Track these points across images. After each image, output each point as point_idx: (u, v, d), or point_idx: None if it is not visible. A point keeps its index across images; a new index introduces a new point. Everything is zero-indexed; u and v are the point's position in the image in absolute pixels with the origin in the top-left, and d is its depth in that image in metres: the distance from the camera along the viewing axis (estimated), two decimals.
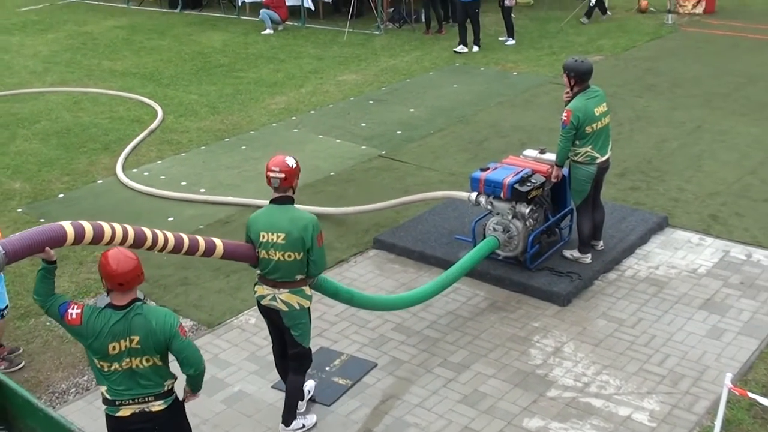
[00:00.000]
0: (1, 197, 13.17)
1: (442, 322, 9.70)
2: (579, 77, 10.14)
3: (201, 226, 12.12)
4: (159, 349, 6.20)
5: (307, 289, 7.62)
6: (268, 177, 7.45)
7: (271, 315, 7.73)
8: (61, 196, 13.45)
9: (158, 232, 7.10)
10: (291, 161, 7.45)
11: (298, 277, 7.49)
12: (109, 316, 6.09)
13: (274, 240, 7.35)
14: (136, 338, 6.10)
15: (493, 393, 8.44)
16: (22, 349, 9.37)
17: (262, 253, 7.47)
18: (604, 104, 10.24)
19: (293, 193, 7.54)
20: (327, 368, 8.90)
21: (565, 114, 10.05)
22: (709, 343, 9.13)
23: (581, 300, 10.04)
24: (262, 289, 7.63)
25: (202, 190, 13.39)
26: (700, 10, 25.10)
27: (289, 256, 7.36)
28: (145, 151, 15.24)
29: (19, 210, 12.89)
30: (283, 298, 7.53)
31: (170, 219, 12.42)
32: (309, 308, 7.70)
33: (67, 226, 6.44)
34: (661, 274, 10.53)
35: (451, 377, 8.71)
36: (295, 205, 7.55)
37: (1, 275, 8.86)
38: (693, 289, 10.19)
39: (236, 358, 9.13)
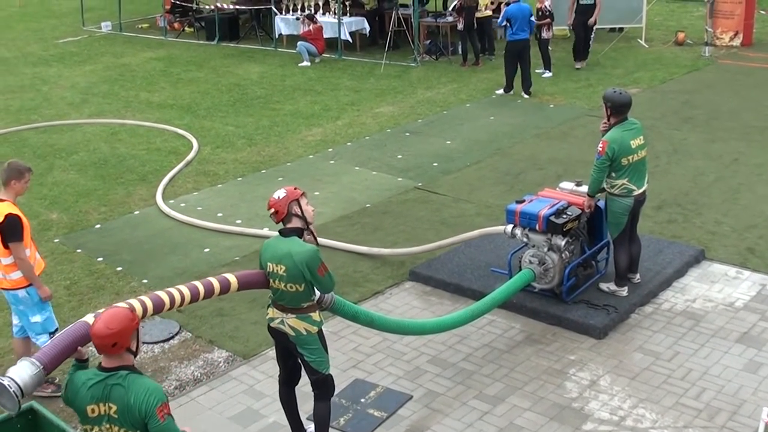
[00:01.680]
0: (39, 228, 13.24)
1: (478, 355, 9.67)
2: (617, 109, 10.13)
3: (237, 258, 12.16)
4: (137, 426, 5.66)
5: (316, 315, 7.64)
6: None
7: (279, 338, 7.76)
8: (97, 226, 13.52)
9: (173, 291, 7.25)
10: (279, 193, 7.51)
11: (305, 304, 7.53)
12: (91, 375, 5.78)
13: (277, 271, 7.42)
14: (114, 407, 5.68)
15: (528, 426, 8.39)
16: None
17: (271, 282, 7.56)
18: (641, 137, 10.21)
19: (301, 219, 7.52)
20: (362, 400, 8.89)
21: (600, 145, 10.04)
22: (745, 377, 9.05)
23: (617, 333, 9.98)
24: (273, 312, 7.69)
25: (239, 222, 13.43)
26: (737, 42, 24.99)
27: (291, 287, 7.42)
28: (182, 183, 15.33)
29: (56, 240, 12.98)
30: (290, 323, 7.56)
31: (206, 250, 12.47)
32: (320, 333, 7.68)
33: (90, 319, 6.46)
34: (698, 308, 10.46)
35: (486, 410, 8.67)
36: (316, 239, 7.67)
37: (49, 302, 9.04)
38: (730, 322, 10.11)
39: (271, 389, 9.11)
